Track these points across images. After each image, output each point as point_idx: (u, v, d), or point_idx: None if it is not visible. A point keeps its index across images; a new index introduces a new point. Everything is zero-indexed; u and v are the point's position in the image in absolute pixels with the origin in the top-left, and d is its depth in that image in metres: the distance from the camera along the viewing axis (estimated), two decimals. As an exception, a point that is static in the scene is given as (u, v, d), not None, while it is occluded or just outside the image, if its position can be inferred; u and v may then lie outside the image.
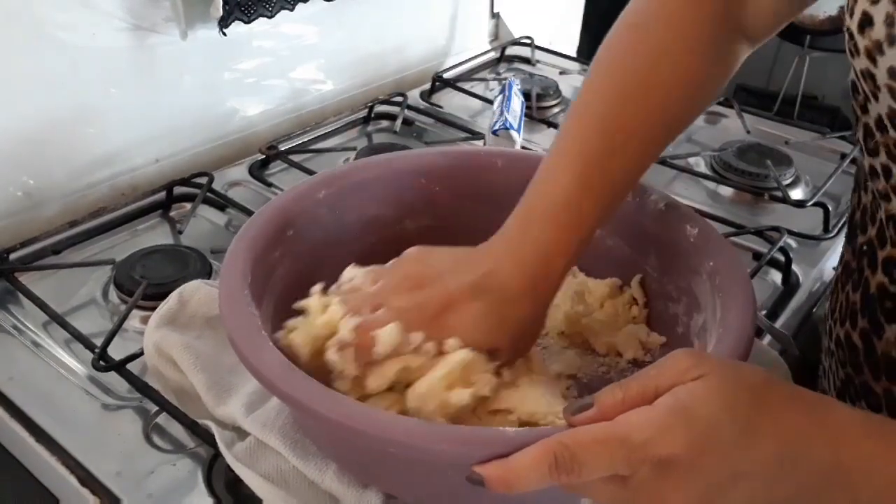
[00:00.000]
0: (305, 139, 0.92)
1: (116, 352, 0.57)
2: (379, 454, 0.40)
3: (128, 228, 0.76)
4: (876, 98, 0.41)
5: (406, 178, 0.58)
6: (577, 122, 0.48)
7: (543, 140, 0.94)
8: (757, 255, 0.75)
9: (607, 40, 0.50)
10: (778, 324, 0.67)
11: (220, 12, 0.78)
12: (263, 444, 0.47)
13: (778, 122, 1.04)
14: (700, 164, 0.92)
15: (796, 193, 0.87)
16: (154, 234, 0.75)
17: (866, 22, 0.40)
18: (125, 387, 0.56)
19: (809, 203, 0.82)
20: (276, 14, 0.85)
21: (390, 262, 0.48)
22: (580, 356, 0.55)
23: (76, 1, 0.71)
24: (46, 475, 0.52)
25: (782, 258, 0.73)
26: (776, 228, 0.76)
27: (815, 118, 1.27)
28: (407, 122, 0.97)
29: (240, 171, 0.84)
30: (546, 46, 1.21)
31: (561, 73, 1.12)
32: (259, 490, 0.45)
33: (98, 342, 0.58)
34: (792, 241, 0.77)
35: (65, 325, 0.60)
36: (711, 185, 0.89)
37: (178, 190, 0.79)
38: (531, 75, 1.12)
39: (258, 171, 0.85)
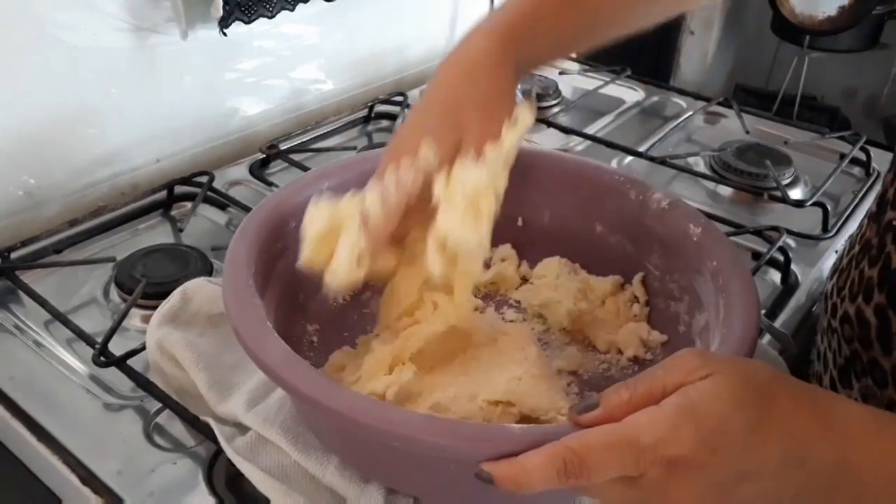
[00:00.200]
0: (306, 139, 0.92)
1: (117, 350, 0.57)
2: (382, 447, 0.40)
3: (128, 228, 0.76)
4: None
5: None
6: None
7: (543, 139, 0.94)
8: (756, 255, 0.75)
9: None
10: (777, 323, 0.67)
11: (221, 12, 0.79)
12: (264, 438, 0.47)
13: (777, 122, 1.04)
14: (699, 164, 0.92)
15: (795, 193, 0.87)
16: (155, 234, 0.75)
17: None
18: (126, 386, 0.56)
19: (808, 203, 0.82)
20: (276, 14, 0.85)
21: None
22: (581, 353, 0.55)
23: (77, 1, 0.71)
24: (48, 474, 0.52)
25: (781, 258, 0.73)
26: (775, 228, 0.76)
27: (815, 118, 1.28)
28: (407, 122, 0.97)
29: (240, 171, 0.84)
30: (546, 47, 1.21)
31: (560, 73, 1.12)
32: (260, 485, 0.45)
33: (99, 340, 0.58)
34: (791, 241, 0.77)
35: (66, 324, 0.60)
36: (711, 184, 0.89)
37: (178, 189, 0.79)
38: (531, 75, 1.12)
39: (258, 170, 0.85)
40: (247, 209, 0.75)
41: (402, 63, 1.09)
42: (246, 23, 0.82)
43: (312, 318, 0.56)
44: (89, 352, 0.57)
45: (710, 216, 0.57)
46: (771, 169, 0.87)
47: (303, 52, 0.95)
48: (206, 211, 0.78)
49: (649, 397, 0.34)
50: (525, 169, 0.50)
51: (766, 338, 0.64)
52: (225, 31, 0.80)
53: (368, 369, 0.47)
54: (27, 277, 0.66)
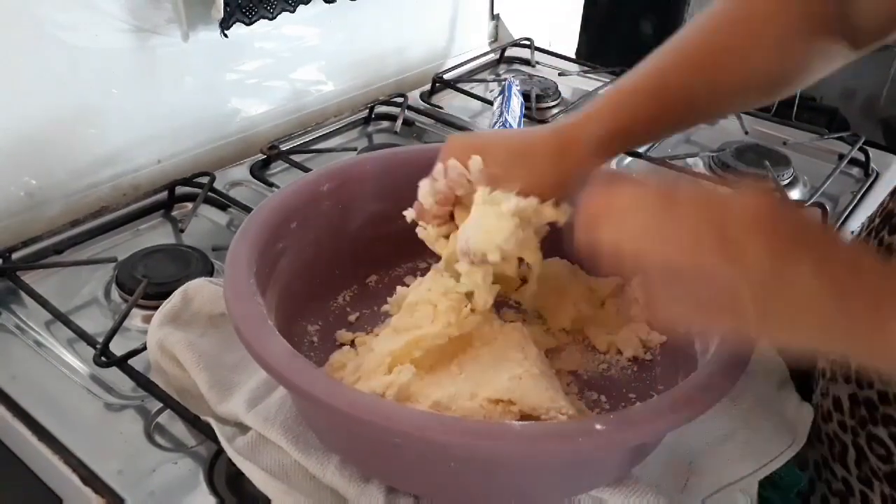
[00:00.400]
0: (306, 139, 0.92)
1: (118, 350, 0.57)
2: (382, 444, 0.41)
3: (130, 228, 0.76)
4: None
5: (409, 172, 0.59)
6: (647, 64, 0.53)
7: (543, 141, 0.94)
8: (756, 255, 0.75)
9: (708, 12, 0.53)
10: (777, 323, 0.67)
11: (222, 14, 0.79)
12: (265, 438, 0.47)
13: (776, 122, 1.04)
14: (699, 165, 0.93)
15: (794, 194, 0.87)
16: (156, 234, 0.76)
17: None
18: (127, 386, 0.56)
19: (808, 203, 0.82)
20: (277, 16, 0.85)
21: None
22: (581, 353, 0.56)
23: (78, 2, 0.71)
24: (49, 474, 0.53)
25: (781, 258, 0.73)
26: (775, 228, 0.76)
27: (814, 119, 1.27)
28: (407, 123, 0.97)
29: (241, 171, 0.85)
30: (545, 48, 1.21)
31: (560, 74, 1.13)
32: (260, 484, 0.45)
33: (100, 341, 0.58)
34: (791, 241, 0.77)
35: (67, 324, 0.60)
36: (710, 185, 0.89)
37: (179, 190, 0.79)
38: (531, 76, 1.12)
39: (259, 171, 0.85)
40: (248, 210, 0.75)
41: (402, 64, 1.09)
42: (247, 24, 0.82)
43: (313, 318, 0.56)
44: (90, 352, 0.58)
45: (709, 217, 0.57)
46: (770, 169, 0.88)
47: (303, 53, 0.95)
48: (207, 211, 0.78)
49: None
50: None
51: (766, 338, 0.64)
52: (226, 32, 0.81)
53: (368, 369, 0.47)
54: (28, 278, 0.66)
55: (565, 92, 1.08)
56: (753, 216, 0.36)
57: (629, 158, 0.91)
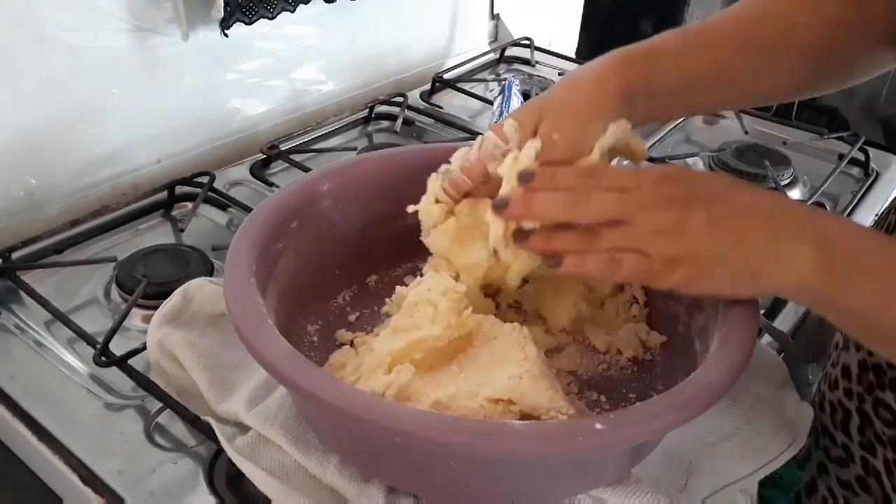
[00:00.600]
0: (306, 139, 0.92)
1: (118, 350, 0.57)
2: (383, 443, 0.41)
3: (129, 228, 0.76)
4: None
5: (408, 172, 0.59)
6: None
7: (543, 140, 0.94)
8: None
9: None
10: (777, 323, 0.67)
11: (222, 13, 0.79)
12: (265, 438, 0.47)
13: (776, 122, 1.04)
14: (699, 165, 0.93)
15: (794, 194, 0.87)
16: (156, 234, 0.76)
17: None
18: (127, 386, 0.56)
19: (808, 203, 0.82)
20: (277, 15, 0.85)
21: None
22: (581, 353, 0.56)
23: (78, 2, 0.71)
24: (49, 474, 0.53)
25: (781, 258, 0.73)
26: (775, 228, 0.76)
27: (814, 119, 1.28)
28: (407, 123, 0.97)
29: (241, 171, 0.85)
30: (545, 47, 1.21)
31: (560, 73, 1.13)
32: (261, 484, 0.45)
33: (100, 340, 0.58)
34: (791, 241, 0.77)
35: (67, 324, 0.60)
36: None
37: (179, 189, 0.79)
38: (530, 76, 1.12)
39: (259, 170, 0.85)
40: (247, 209, 0.75)
41: (402, 64, 1.09)
42: (247, 24, 0.82)
43: (313, 317, 0.56)
44: (90, 352, 0.58)
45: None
46: (770, 169, 0.88)
47: (303, 52, 0.95)
48: (207, 211, 0.78)
49: None
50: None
51: (766, 338, 0.64)
52: (226, 31, 0.81)
53: (368, 369, 0.47)
54: (28, 277, 0.66)
55: (565, 92, 1.08)
56: (656, 178, 0.43)
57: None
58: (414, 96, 1.03)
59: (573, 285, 0.57)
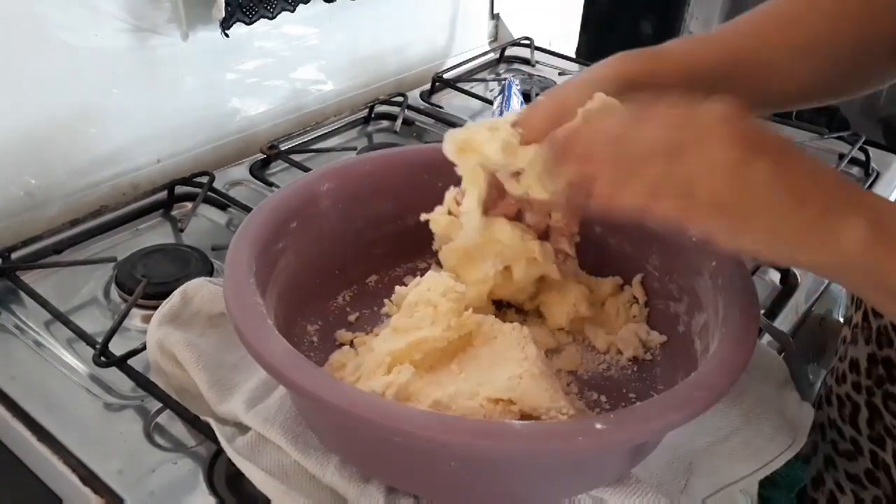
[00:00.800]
0: (306, 139, 0.92)
1: (117, 350, 0.57)
2: (383, 443, 0.41)
3: (129, 228, 0.76)
4: None
5: (408, 172, 0.59)
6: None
7: (543, 140, 0.94)
8: (756, 255, 0.75)
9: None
10: (777, 323, 0.67)
11: (223, 13, 0.79)
12: (264, 438, 0.47)
13: (776, 122, 1.04)
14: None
15: (795, 193, 0.87)
16: (155, 234, 0.76)
17: None
18: (127, 386, 0.56)
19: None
20: (277, 15, 0.85)
21: None
22: (581, 353, 0.56)
23: (78, 2, 0.71)
24: (48, 474, 0.53)
25: (781, 258, 0.73)
26: (775, 228, 0.76)
27: (814, 118, 1.27)
28: (407, 123, 0.97)
29: (241, 171, 0.85)
30: (545, 47, 1.21)
31: (560, 73, 1.13)
32: (260, 484, 0.45)
33: (100, 341, 0.58)
34: (791, 241, 0.77)
35: (67, 324, 0.60)
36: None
37: (179, 189, 0.79)
38: (530, 76, 1.12)
39: (259, 170, 0.85)
40: (247, 209, 0.75)
41: (402, 64, 1.09)
42: (247, 24, 0.82)
43: (312, 318, 0.56)
44: (90, 352, 0.57)
45: (709, 216, 0.57)
46: (770, 169, 0.87)
47: (303, 52, 0.95)
48: (207, 211, 0.78)
49: None
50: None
51: (766, 338, 0.64)
52: (227, 31, 0.81)
53: (368, 369, 0.47)
54: (28, 277, 0.66)
55: (565, 91, 1.08)
56: (720, 115, 0.38)
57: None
58: (414, 96, 1.03)
59: (574, 285, 0.57)
